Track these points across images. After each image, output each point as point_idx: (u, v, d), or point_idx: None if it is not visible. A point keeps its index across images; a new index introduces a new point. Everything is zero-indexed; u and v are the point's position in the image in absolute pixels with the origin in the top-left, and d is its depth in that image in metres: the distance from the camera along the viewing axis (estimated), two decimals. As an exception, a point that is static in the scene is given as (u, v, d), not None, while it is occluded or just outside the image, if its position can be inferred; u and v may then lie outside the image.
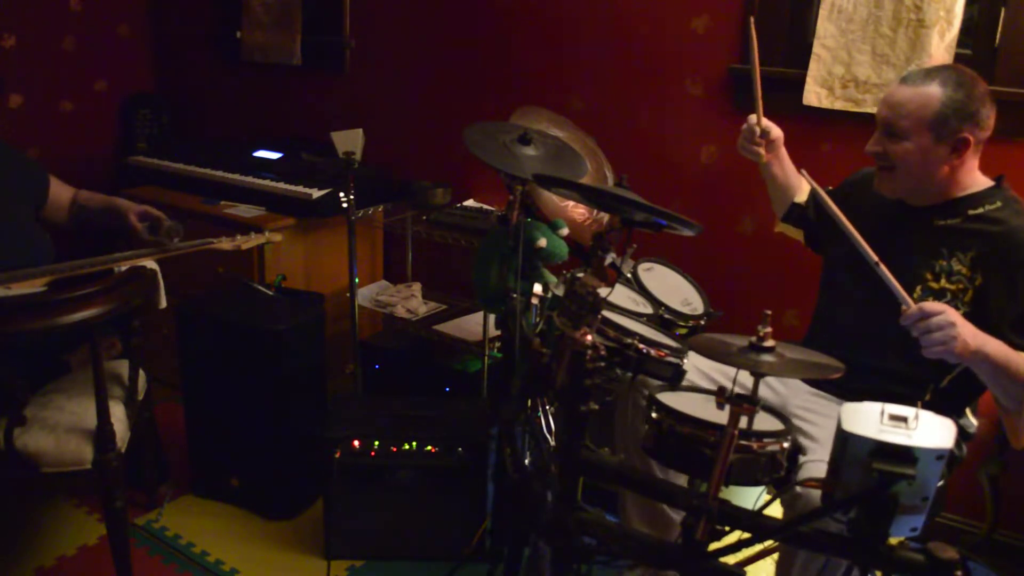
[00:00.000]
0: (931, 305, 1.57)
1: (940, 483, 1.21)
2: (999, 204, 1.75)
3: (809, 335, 2.05)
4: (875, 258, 1.62)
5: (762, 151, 2.07)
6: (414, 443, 2.27)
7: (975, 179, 1.79)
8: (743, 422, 1.34)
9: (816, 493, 1.33)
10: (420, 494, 2.30)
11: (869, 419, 1.20)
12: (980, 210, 1.75)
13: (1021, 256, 1.70)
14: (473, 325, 2.93)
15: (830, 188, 2.07)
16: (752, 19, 2.05)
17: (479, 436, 2.29)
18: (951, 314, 1.55)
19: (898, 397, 1.70)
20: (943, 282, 1.75)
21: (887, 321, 1.67)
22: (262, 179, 3.10)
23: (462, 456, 2.28)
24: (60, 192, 2.41)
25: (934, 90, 1.69)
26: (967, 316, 1.69)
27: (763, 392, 1.98)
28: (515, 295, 1.98)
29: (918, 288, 1.77)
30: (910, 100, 1.71)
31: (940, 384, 1.78)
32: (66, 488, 2.39)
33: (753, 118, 2.06)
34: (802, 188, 2.16)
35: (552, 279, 2.12)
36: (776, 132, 2.08)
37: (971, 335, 1.57)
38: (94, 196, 2.44)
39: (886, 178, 1.82)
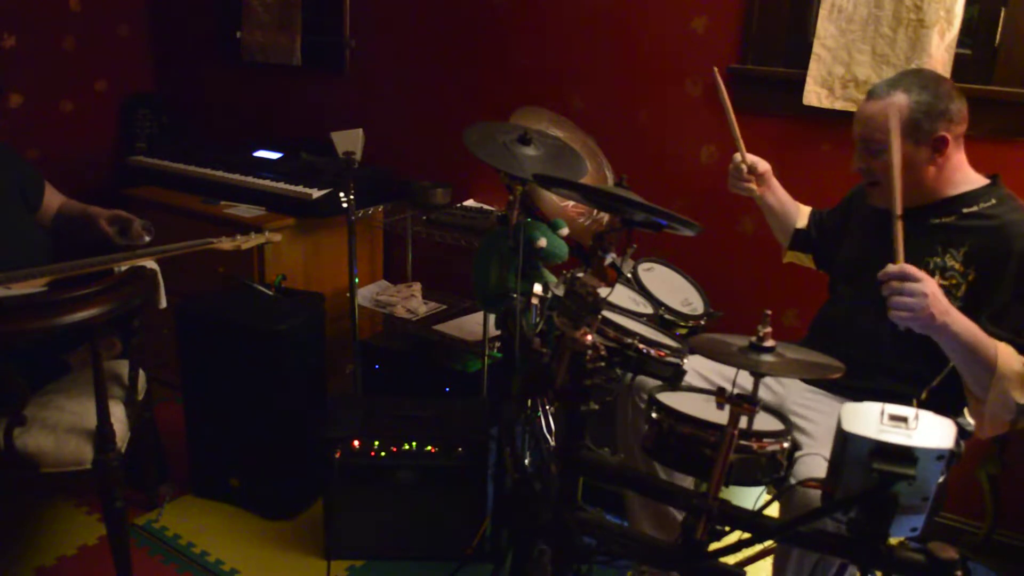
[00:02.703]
0: (913, 269, 1.58)
1: (940, 481, 1.21)
2: (994, 201, 1.76)
3: (809, 335, 2.05)
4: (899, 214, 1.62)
5: (753, 186, 2.10)
6: (414, 443, 2.27)
7: (967, 176, 1.80)
8: (743, 422, 1.34)
9: (815, 492, 1.33)
10: (420, 494, 2.30)
11: (869, 419, 1.20)
12: (975, 208, 1.77)
13: (1010, 247, 1.70)
14: (473, 325, 2.93)
15: (827, 211, 2.12)
16: (716, 68, 2.07)
17: (479, 436, 2.29)
18: (928, 284, 1.57)
19: (895, 394, 1.73)
20: (937, 278, 1.75)
21: (882, 321, 1.68)
22: (262, 179, 3.10)
23: (462, 456, 2.28)
24: (52, 198, 2.41)
25: (900, 98, 1.72)
26: (960, 311, 1.70)
27: (761, 392, 1.99)
28: (515, 295, 1.98)
29: None
30: (879, 113, 1.73)
31: (933, 383, 1.79)
32: (66, 488, 2.39)
33: (737, 156, 2.08)
34: (801, 214, 2.18)
35: (552, 279, 2.12)
36: (763, 166, 2.10)
37: (941, 310, 1.58)
38: (74, 205, 2.43)
39: (875, 192, 1.84)
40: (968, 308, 1.71)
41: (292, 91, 3.66)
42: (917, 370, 1.79)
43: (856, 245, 1.98)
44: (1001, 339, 1.66)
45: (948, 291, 1.74)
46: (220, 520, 2.51)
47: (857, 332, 1.87)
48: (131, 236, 2.26)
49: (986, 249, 1.73)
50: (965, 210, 1.77)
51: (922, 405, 1.69)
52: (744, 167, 2.07)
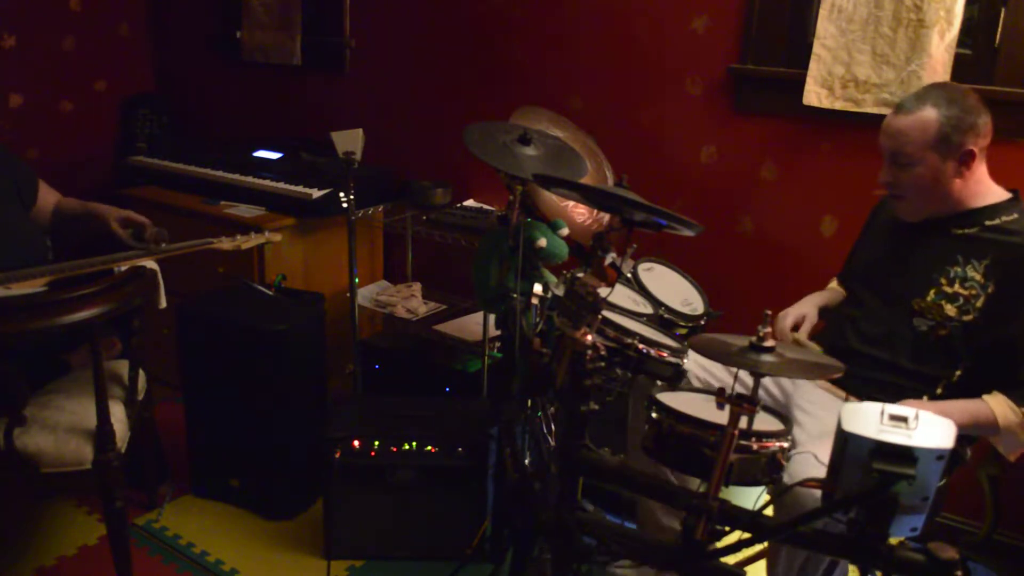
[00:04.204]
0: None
1: (941, 483, 1.21)
2: (1016, 216, 1.79)
3: (825, 330, 2.06)
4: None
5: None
6: (414, 443, 2.27)
7: (989, 189, 1.83)
8: (743, 422, 1.34)
9: (815, 492, 1.33)
10: (420, 494, 2.30)
11: (869, 419, 1.20)
12: (997, 221, 1.79)
13: None
14: (473, 325, 2.93)
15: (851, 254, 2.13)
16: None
17: (479, 436, 2.29)
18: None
19: (908, 390, 1.76)
20: (957, 287, 1.78)
21: (896, 322, 1.70)
22: (262, 179, 3.10)
23: (462, 456, 2.28)
24: (47, 196, 2.40)
25: (930, 113, 1.74)
26: (976, 321, 1.75)
27: (770, 387, 2.00)
28: (515, 295, 1.98)
29: (932, 292, 1.81)
30: (910, 127, 1.75)
31: (947, 381, 1.80)
32: (66, 488, 2.38)
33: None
34: (838, 289, 2.16)
35: (552, 279, 2.12)
36: (808, 320, 2.03)
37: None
38: (73, 202, 2.43)
39: (900, 205, 1.87)
40: (984, 320, 1.75)
41: (292, 91, 3.66)
42: (933, 371, 1.82)
43: (874, 249, 2.01)
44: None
45: (967, 300, 1.77)
46: (220, 520, 2.51)
47: (874, 333, 1.89)
48: (147, 241, 2.25)
49: (1009, 264, 1.75)
50: (988, 223, 1.80)
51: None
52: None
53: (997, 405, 1.71)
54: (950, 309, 1.78)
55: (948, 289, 1.79)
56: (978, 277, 1.77)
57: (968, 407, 1.72)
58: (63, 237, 2.45)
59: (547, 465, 1.72)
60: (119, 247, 2.28)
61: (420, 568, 2.32)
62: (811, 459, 1.67)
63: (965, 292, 1.77)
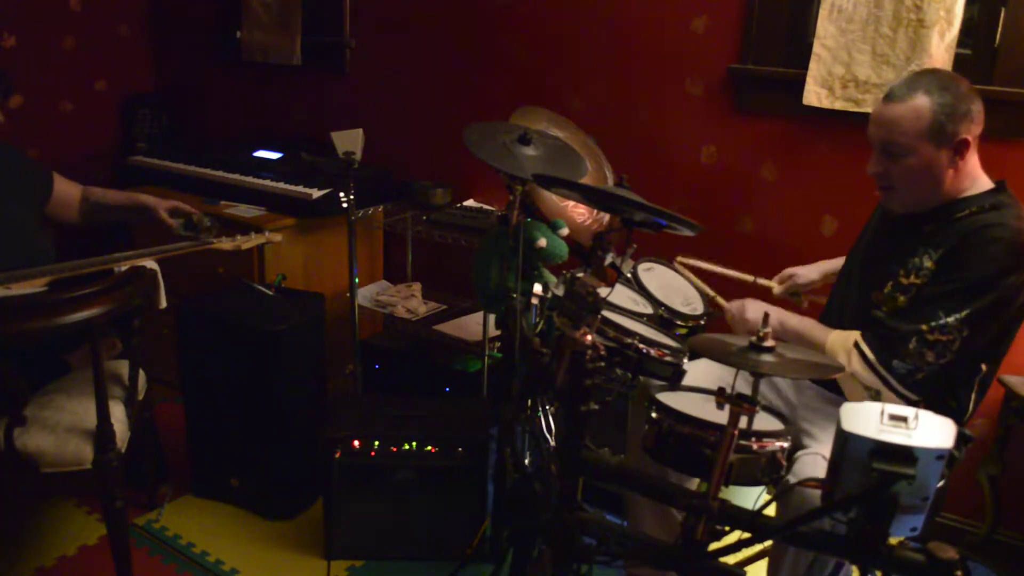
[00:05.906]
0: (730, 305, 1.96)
1: (940, 483, 1.21)
2: (987, 206, 1.71)
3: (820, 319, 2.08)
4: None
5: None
6: (414, 443, 2.27)
7: (976, 181, 1.76)
8: (743, 422, 1.34)
9: (815, 492, 1.33)
10: (420, 494, 2.30)
11: (869, 419, 1.20)
12: (966, 211, 1.72)
13: (979, 241, 1.67)
14: (473, 325, 2.93)
15: None
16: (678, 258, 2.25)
17: (479, 436, 2.29)
18: (728, 310, 1.96)
19: None
20: (912, 278, 1.73)
21: (859, 315, 1.75)
22: (262, 179, 3.10)
23: (462, 456, 2.28)
24: (67, 189, 2.40)
25: (922, 100, 1.66)
26: None
27: (775, 400, 1.99)
28: (515, 295, 1.98)
29: (889, 283, 1.77)
30: (902, 116, 1.68)
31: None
32: (66, 488, 2.39)
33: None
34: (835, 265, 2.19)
35: (552, 279, 2.12)
36: (791, 283, 2.25)
37: (754, 315, 1.88)
38: (109, 192, 2.43)
39: (890, 197, 1.81)
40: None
41: (292, 91, 3.66)
42: None
43: (869, 238, 1.96)
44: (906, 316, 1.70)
45: (920, 289, 1.72)
46: (220, 520, 2.51)
47: (842, 327, 1.85)
48: (201, 232, 2.28)
49: (959, 249, 1.69)
50: (957, 215, 1.73)
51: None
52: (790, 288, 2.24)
53: (840, 334, 1.75)
54: (903, 301, 1.73)
55: (904, 280, 1.74)
56: (930, 265, 1.71)
57: (811, 323, 1.82)
58: (95, 228, 2.45)
59: (547, 465, 1.72)
60: (173, 237, 2.30)
61: (420, 568, 2.32)
62: (820, 459, 1.67)
63: (918, 281, 1.72)
